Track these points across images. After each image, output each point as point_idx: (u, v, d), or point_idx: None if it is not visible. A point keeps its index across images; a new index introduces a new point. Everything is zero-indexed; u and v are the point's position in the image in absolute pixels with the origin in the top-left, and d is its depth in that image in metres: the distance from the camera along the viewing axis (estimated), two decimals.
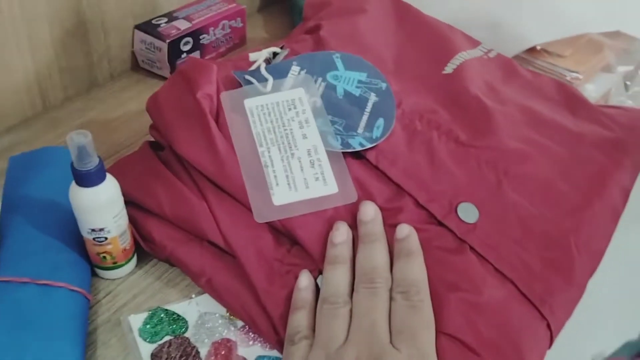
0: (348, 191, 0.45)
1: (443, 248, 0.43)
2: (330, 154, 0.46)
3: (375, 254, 0.42)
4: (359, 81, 0.51)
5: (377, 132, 0.47)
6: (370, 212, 0.44)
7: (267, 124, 0.48)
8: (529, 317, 0.40)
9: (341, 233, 0.43)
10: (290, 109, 0.49)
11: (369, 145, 0.47)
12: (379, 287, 0.40)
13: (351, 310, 0.40)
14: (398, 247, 0.42)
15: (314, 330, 0.40)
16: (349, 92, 0.50)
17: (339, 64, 0.52)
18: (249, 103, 0.49)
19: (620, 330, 0.48)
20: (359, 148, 0.47)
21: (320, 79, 0.50)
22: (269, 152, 0.47)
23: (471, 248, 0.43)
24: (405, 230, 0.43)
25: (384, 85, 0.51)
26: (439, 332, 0.39)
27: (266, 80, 0.50)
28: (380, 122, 0.48)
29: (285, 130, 0.47)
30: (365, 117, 0.48)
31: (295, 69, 0.51)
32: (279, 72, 0.51)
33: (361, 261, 0.42)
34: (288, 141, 0.47)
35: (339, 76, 0.51)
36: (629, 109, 0.59)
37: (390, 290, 0.40)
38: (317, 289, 0.43)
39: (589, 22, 0.69)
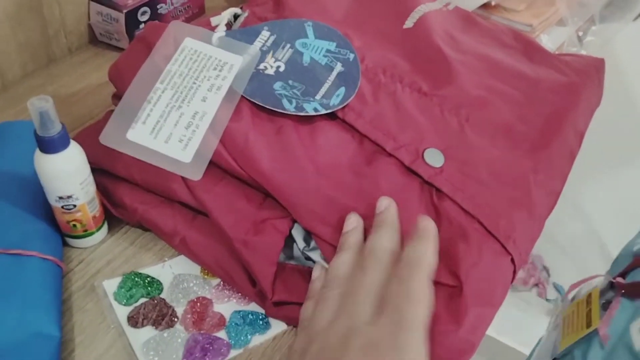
0: (196, 169, 0.44)
1: (411, 194, 0.44)
2: (210, 130, 0.45)
3: (383, 235, 0.41)
4: (327, 50, 0.51)
5: (335, 100, 0.48)
6: (383, 203, 0.44)
7: (184, 68, 0.47)
8: (494, 252, 0.42)
9: (351, 222, 0.43)
10: (215, 69, 0.47)
11: (324, 111, 0.47)
12: (379, 262, 0.39)
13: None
14: (413, 231, 0.41)
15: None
16: (315, 60, 0.50)
17: (310, 32, 0.52)
18: (189, 42, 0.48)
19: None
20: (312, 113, 0.47)
21: (288, 45, 0.51)
22: (162, 92, 0.46)
23: (438, 190, 0.44)
24: (424, 222, 0.41)
25: (351, 56, 0.51)
26: None
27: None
28: (341, 90, 0.48)
29: (194, 83, 0.46)
30: (326, 85, 0.49)
31: (265, 34, 0.51)
32: (248, 36, 0.51)
33: (369, 242, 0.42)
34: (186, 94, 0.46)
35: (308, 44, 0.51)
36: (582, 56, 0.61)
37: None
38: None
39: None
